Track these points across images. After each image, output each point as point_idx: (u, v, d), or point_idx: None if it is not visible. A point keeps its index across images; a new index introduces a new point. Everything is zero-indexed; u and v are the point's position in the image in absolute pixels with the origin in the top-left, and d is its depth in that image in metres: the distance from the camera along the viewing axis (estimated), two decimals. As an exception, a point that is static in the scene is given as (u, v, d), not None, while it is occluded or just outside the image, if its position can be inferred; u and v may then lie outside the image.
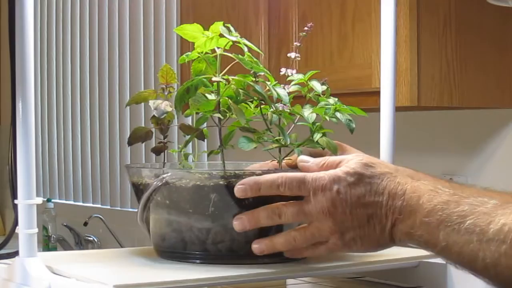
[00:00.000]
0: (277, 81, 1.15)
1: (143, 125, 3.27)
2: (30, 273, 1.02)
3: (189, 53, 1.14)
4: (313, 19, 2.01)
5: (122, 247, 3.13)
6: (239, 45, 1.12)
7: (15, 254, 1.05)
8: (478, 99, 1.90)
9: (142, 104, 1.18)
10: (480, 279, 0.96)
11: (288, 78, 1.16)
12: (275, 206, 1.04)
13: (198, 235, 1.08)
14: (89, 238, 3.42)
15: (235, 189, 1.04)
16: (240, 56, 1.12)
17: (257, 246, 1.06)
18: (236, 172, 1.06)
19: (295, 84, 1.16)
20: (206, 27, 1.12)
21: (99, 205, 3.63)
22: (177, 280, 1.00)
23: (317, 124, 1.14)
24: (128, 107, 3.37)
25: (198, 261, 1.08)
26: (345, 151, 1.16)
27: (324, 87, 1.16)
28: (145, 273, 1.05)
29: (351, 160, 1.03)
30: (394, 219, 1.00)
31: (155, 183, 1.08)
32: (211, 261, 1.09)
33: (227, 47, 1.12)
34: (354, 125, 1.15)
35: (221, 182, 1.06)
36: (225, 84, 1.12)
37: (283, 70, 1.17)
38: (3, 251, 1.26)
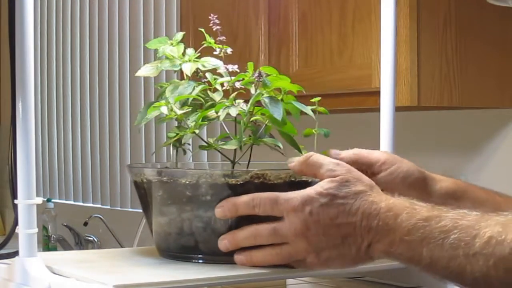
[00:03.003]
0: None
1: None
2: (30, 273, 1.02)
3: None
4: (313, 19, 2.00)
5: (122, 247, 3.13)
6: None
7: (15, 254, 1.05)
8: (478, 99, 1.90)
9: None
10: None
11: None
12: (253, 228, 1.04)
13: (199, 235, 1.08)
14: (89, 238, 3.42)
15: (215, 210, 1.06)
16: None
17: (241, 258, 1.06)
18: (236, 172, 1.06)
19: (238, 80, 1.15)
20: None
21: (99, 205, 3.63)
22: (177, 280, 1.00)
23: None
24: (127, 107, 3.37)
25: (198, 261, 1.08)
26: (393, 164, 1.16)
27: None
28: (145, 273, 1.05)
29: (326, 177, 1.02)
30: (370, 239, 1.00)
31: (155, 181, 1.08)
32: (211, 261, 1.09)
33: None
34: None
35: (221, 182, 1.06)
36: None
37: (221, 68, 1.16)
38: (3, 251, 1.26)
